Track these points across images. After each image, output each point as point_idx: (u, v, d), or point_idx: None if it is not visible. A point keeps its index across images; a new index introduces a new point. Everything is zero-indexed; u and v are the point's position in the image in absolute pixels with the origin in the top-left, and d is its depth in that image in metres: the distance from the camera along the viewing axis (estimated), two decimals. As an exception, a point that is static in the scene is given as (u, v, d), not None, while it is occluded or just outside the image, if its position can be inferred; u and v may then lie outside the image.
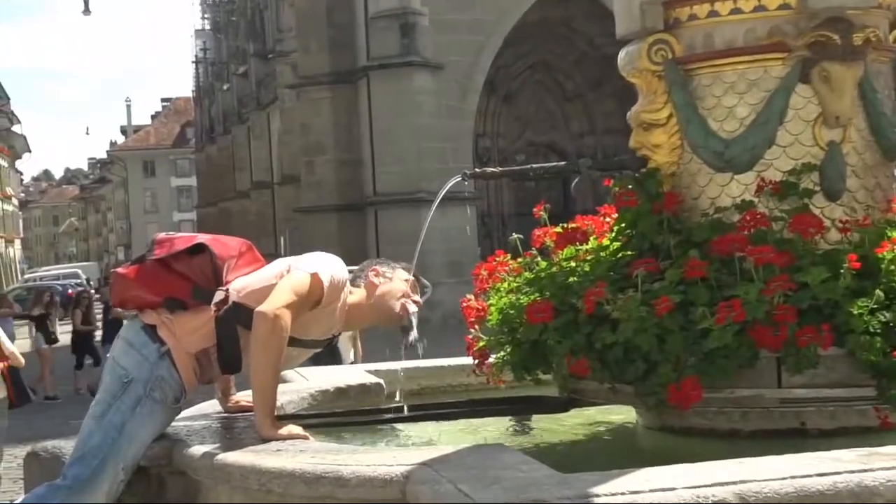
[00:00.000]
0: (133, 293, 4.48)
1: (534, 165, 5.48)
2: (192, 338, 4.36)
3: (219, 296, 4.38)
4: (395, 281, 4.62)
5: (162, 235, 4.63)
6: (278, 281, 4.34)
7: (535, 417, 5.18)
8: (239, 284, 4.42)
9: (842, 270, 4.16)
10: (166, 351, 4.34)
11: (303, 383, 5.70)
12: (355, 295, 4.58)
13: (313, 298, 4.31)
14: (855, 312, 4.05)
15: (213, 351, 4.37)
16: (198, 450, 4.12)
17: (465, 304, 5.06)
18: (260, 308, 4.18)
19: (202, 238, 4.55)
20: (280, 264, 4.51)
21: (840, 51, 4.53)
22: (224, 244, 4.56)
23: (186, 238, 4.56)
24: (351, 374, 5.96)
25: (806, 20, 4.57)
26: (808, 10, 4.55)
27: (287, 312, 4.18)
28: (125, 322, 4.62)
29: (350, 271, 4.62)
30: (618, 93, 34.97)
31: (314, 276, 4.31)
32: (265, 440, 4.09)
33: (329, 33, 33.52)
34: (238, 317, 4.33)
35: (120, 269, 4.67)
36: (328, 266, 4.41)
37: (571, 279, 4.66)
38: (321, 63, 33.50)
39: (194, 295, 4.40)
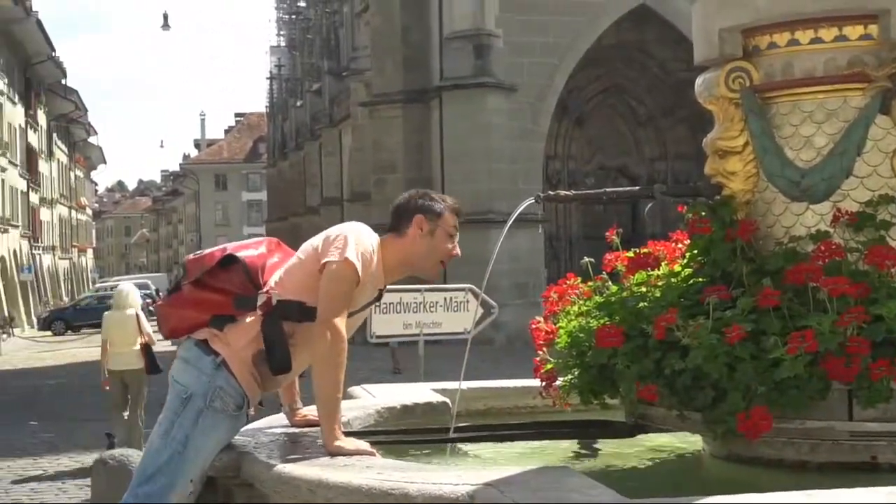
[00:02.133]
0: (179, 320, 4.55)
1: (607, 189, 5.48)
2: (245, 345, 4.41)
3: (261, 299, 4.42)
4: (437, 240, 4.52)
5: (190, 257, 4.69)
6: (311, 265, 4.35)
7: (601, 442, 5.17)
8: (276, 280, 4.46)
9: (917, 304, 4.11)
10: (221, 361, 4.39)
11: (369, 400, 5.73)
12: (395, 247, 4.50)
13: (353, 283, 4.32)
14: (930, 347, 4.01)
15: (266, 354, 4.41)
16: (265, 462, 4.15)
17: (534, 326, 5.06)
18: (315, 325, 4.21)
19: (229, 248, 4.60)
20: (307, 247, 4.49)
21: (921, 83, 4.48)
22: (252, 248, 4.60)
23: (214, 252, 4.60)
24: (417, 392, 5.98)
25: (887, 51, 4.53)
26: (890, 41, 4.51)
27: (340, 320, 4.21)
28: (180, 344, 4.68)
29: (395, 210, 4.57)
30: (690, 118, 34.83)
31: (347, 264, 4.29)
32: (332, 454, 4.12)
33: (404, 52, 33.74)
34: (284, 313, 4.38)
35: (160, 303, 4.76)
36: (356, 244, 4.35)
37: (642, 304, 4.65)
38: (395, 81, 33.70)
39: (237, 305, 4.45)
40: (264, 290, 4.45)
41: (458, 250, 4.59)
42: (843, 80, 4.60)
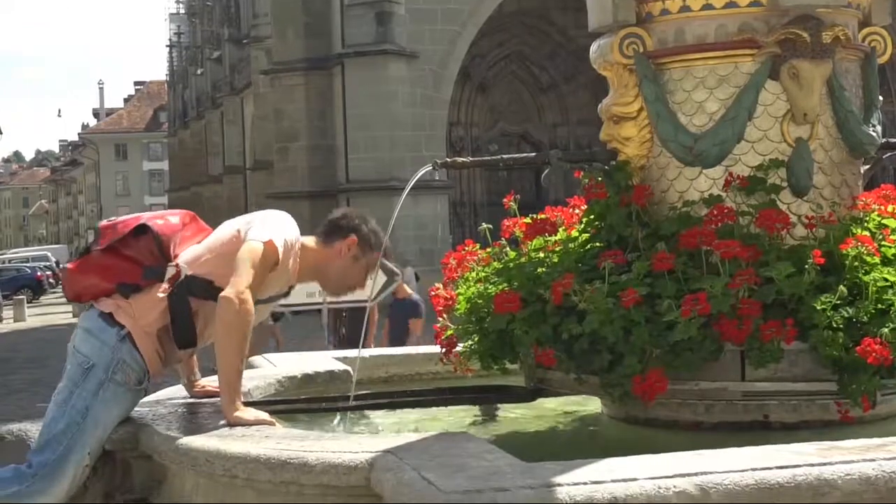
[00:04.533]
0: (85, 285, 4.50)
1: (504, 156, 5.50)
2: (150, 317, 4.38)
3: (170, 271, 4.40)
4: (357, 268, 4.59)
5: (104, 223, 4.65)
6: (229, 247, 4.34)
7: (501, 407, 5.21)
8: (189, 256, 4.44)
9: (806, 266, 4.20)
10: (126, 334, 4.35)
11: (270, 369, 5.71)
12: (318, 253, 4.54)
13: (270, 264, 4.31)
14: (818, 308, 4.10)
15: (171, 328, 4.39)
16: (163, 434, 4.12)
17: (433, 294, 5.08)
18: (223, 293, 4.18)
19: (144, 217, 4.57)
20: (228, 228, 4.49)
21: (809, 48, 4.56)
22: (166, 219, 4.57)
23: (128, 221, 4.56)
24: (318, 360, 5.97)
25: (776, 17, 4.60)
26: (779, 7, 4.59)
27: (249, 293, 4.19)
28: (82, 313, 4.63)
29: (333, 220, 4.58)
30: (591, 84, 35.03)
31: (269, 244, 4.29)
32: (231, 425, 4.10)
33: (304, 20, 33.42)
34: (191, 289, 4.36)
35: (69, 265, 4.70)
36: (281, 230, 4.38)
37: (540, 270, 4.68)
38: (296, 49, 33.41)
39: (145, 275, 4.43)
40: (174, 262, 4.41)
41: (364, 285, 4.65)
42: (733, 47, 4.67)
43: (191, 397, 4.85)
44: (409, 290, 12.58)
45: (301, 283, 4.67)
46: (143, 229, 4.49)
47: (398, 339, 11.63)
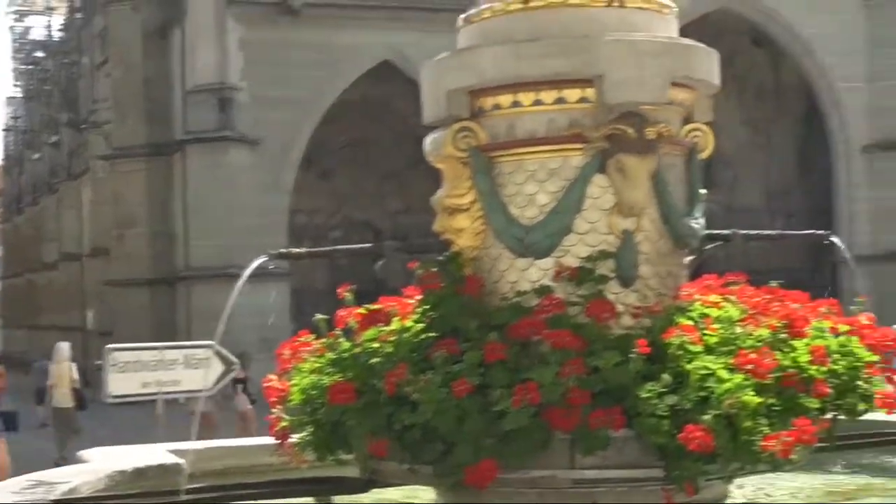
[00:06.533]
0: None
1: (339, 247, 5.55)
2: None
3: None
4: None
5: None
6: None
7: (336, 498, 5.17)
8: None
9: (632, 355, 4.31)
10: None
11: (100, 463, 5.58)
12: None
13: None
14: (643, 396, 4.20)
15: None
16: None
17: (266, 384, 5.05)
18: None
19: None
20: None
21: (635, 144, 4.71)
22: None
23: None
24: (151, 454, 5.86)
25: (603, 114, 4.75)
26: (605, 104, 4.73)
27: None
28: None
29: None
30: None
31: None
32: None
33: (146, 105, 33.19)
34: None
35: None
36: None
37: (374, 360, 4.69)
38: (136, 135, 33.10)
39: None
40: None
41: None
42: (563, 141, 4.80)
43: None
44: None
45: None
46: None
47: None
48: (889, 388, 4.78)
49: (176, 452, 5.82)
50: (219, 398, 20.74)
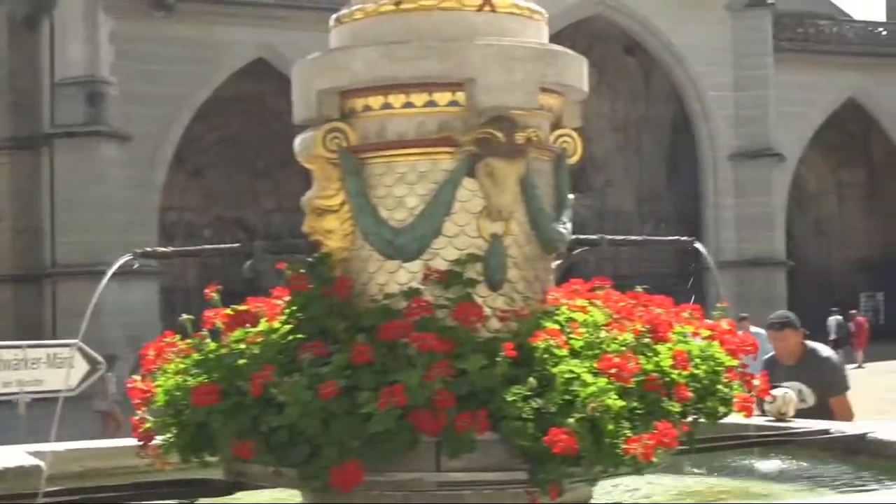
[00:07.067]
0: None
1: (206, 246, 5.49)
2: None
3: None
4: None
5: None
6: None
7: (199, 501, 5.11)
8: None
9: (498, 359, 4.34)
10: None
11: (-45, 465, 5.43)
12: None
13: None
14: (509, 399, 4.23)
15: None
16: None
17: (130, 386, 4.97)
18: None
19: None
20: None
21: (504, 148, 4.75)
22: None
23: None
24: (9, 455, 5.71)
25: (473, 117, 4.77)
26: (476, 107, 4.76)
27: None
28: None
29: None
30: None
31: None
32: None
33: (11, 97, 32.46)
34: None
35: None
36: None
37: (240, 361, 4.65)
38: (2, 127, 32.33)
39: None
40: None
41: None
42: (433, 144, 4.81)
43: None
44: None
45: None
46: None
47: None
48: (747, 391, 4.90)
49: (36, 454, 5.69)
50: (119, 397, 20.54)
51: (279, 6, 33.23)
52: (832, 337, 35.28)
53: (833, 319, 35.95)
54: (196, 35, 31.94)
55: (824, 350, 8.69)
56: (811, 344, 8.52)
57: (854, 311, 35.84)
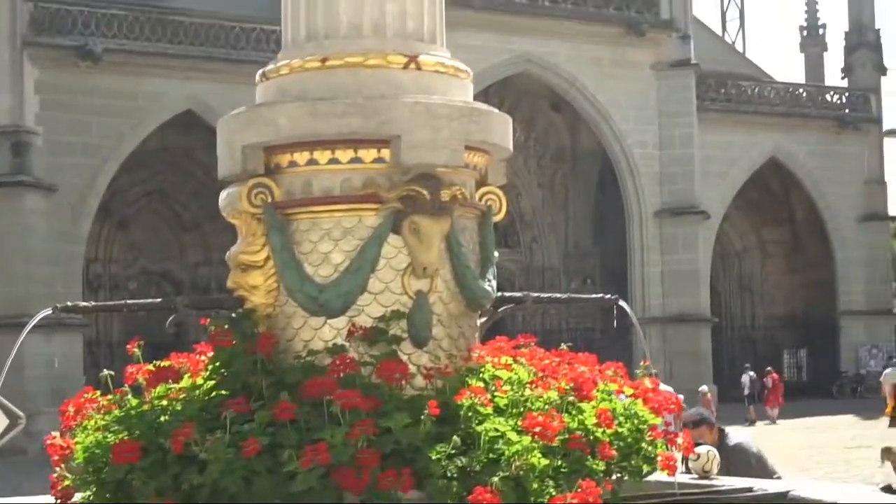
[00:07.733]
0: None
1: (129, 301, 5.42)
2: None
3: None
4: None
5: None
6: None
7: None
8: None
9: (423, 417, 4.32)
10: None
11: None
12: None
13: None
14: (433, 457, 4.21)
15: None
16: None
17: (48, 442, 4.88)
18: None
19: None
20: None
21: (429, 205, 4.77)
22: None
23: None
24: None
25: (399, 174, 4.79)
26: (401, 165, 4.78)
27: None
28: None
29: None
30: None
31: None
32: None
33: (-68, 145, 31.96)
34: None
35: None
36: None
37: (162, 418, 4.59)
38: (-77, 176, 31.82)
39: None
40: None
41: None
42: (358, 200, 4.82)
43: None
44: None
45: None
46: None
47: None
48: (671, 450, 4.92)
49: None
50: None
51: (209, 58, 33.11)
52: (746, 392, 35.68)
53: (746, 376, 36.37)
54: (123, 86, 31.70)
55: (745, 444, 8.61)
56: (731, 439, 8.46)
57: (770, 368, 36.27)
